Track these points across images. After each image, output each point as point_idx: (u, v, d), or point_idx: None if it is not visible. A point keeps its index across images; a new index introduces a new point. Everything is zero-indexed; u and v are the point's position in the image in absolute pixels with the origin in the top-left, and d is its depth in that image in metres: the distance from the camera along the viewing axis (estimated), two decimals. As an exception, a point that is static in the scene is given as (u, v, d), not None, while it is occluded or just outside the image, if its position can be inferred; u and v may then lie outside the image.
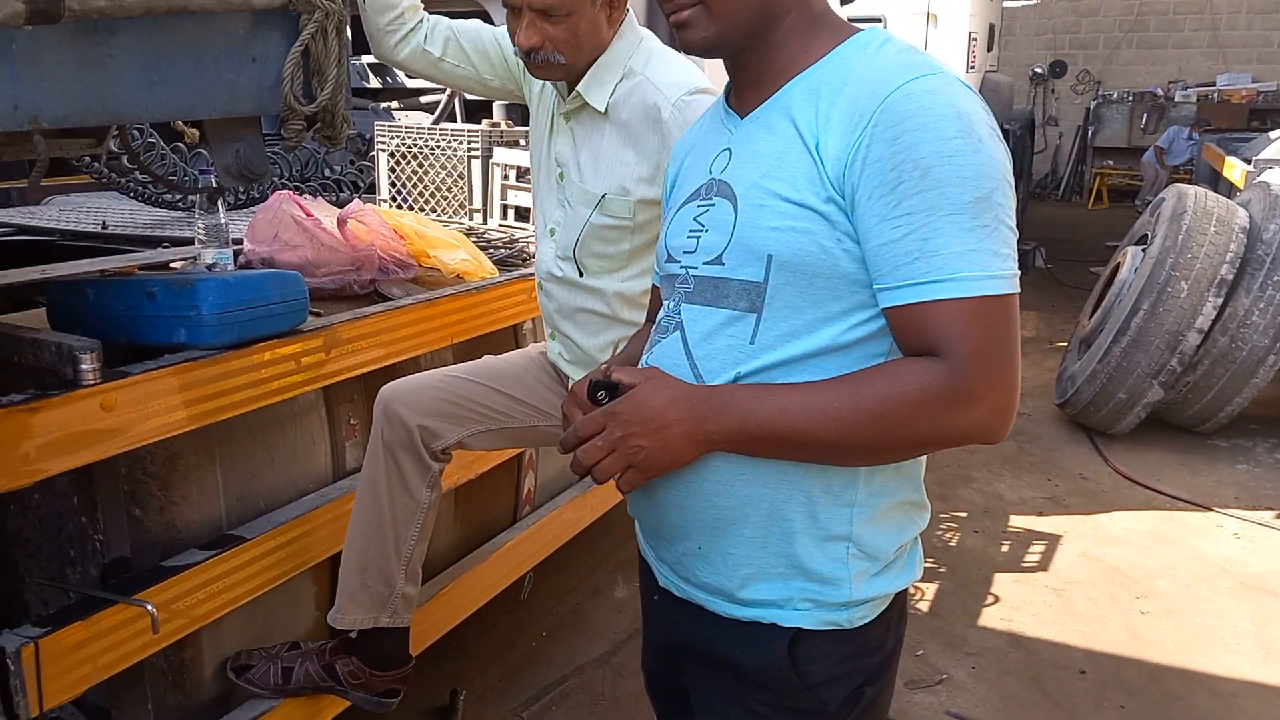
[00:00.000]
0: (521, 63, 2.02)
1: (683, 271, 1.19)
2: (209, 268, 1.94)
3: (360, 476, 1.93)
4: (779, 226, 1.09)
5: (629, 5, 1.88)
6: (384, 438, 1.88)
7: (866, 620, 1.15)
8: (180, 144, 3.20)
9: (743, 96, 1.21)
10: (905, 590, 1.21)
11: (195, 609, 1.71)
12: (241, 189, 3.40)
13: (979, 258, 1.02)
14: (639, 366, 1.24)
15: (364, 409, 2.15)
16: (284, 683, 1.92)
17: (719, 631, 1.18)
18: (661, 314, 1.23)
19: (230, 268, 2.18)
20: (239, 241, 2.36)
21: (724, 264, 1.13)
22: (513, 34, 1.79)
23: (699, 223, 1.18)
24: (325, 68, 1.78)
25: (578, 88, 1.84)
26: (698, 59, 1.83)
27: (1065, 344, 5.43)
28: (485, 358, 2.08)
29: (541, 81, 1.97)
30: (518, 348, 2.61)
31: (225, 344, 1.72)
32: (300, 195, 3.40)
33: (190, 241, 2.35)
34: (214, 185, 1.98)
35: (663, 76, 1.83)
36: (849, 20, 1.22)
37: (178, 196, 3.30)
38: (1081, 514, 3.98)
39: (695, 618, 1.20)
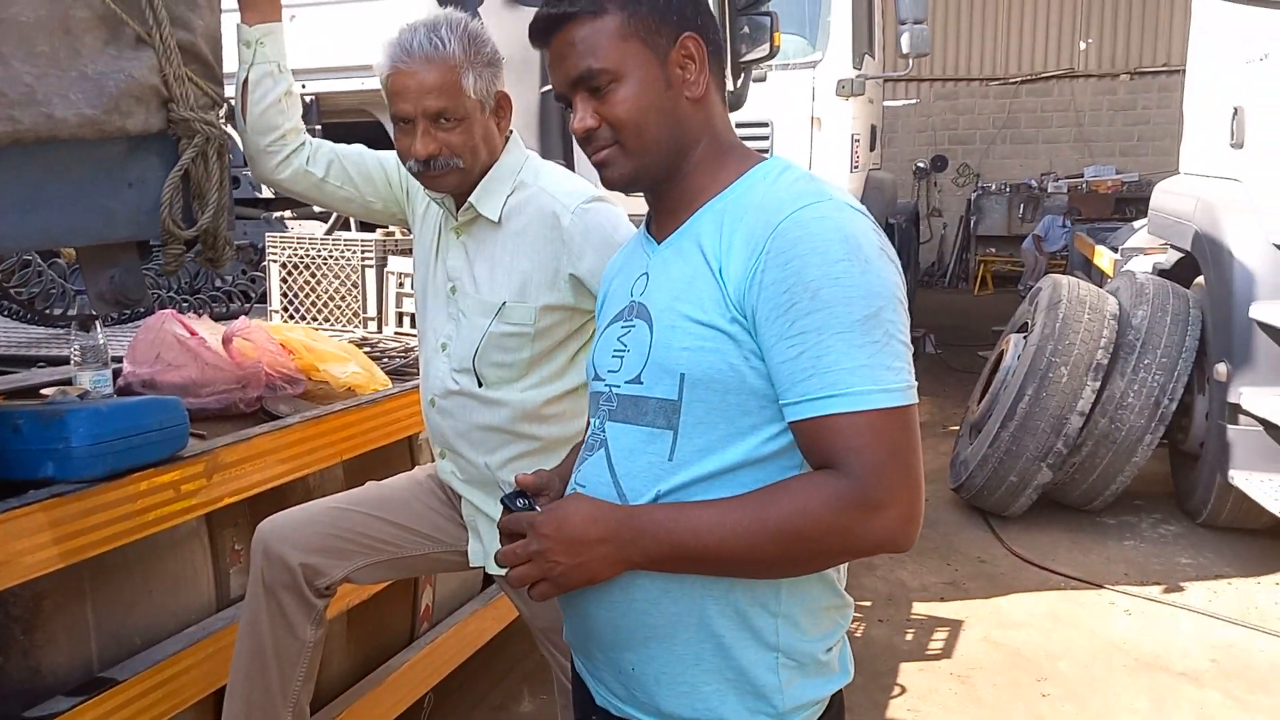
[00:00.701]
0: (406, 184, 2.04)
1: (607, 389, 1.25)
2: (83, 395, 1.87)
3: (240, 618, 1.85)
4: (690, 346, 1.15)
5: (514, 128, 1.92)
6: (264, 578, 1.82)
7: None
8: (58, 260, 3.11)
9: (660, 223, 1.29)
10: (840, 693, 1.24)
11: (61, 762, 1.60)
12: (117, 315, 3.30)
13: (871, 372, 1.07)
14: (568, 488, 1.28)
15: (249, 533, 2.07)
16: (162, 834, 1.80)
17: None
18: (589, 431, 1.28)
19: (108, 391, 2.11)
20: (120, 359, 2.29)
21: (642, 383, 1.19)
22: (406, 150, 1.80)
23: (622, 343, 1.24)
24: (206, 191, 1.76)
25: (470, 199, 1.86)
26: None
27: (957, 428, 5.59)
28: (369, 484, 2.04)
29: (426, 202, 1.99)
30: (413, 460, 2.58)
31: (97, 476, 1.66)
32: (190, 308, 3.34)
33: (67, 361, 2.27)
34: (86, 311, 1.93)
35: (558, 186, 1.88)
36: (738, 125, 1.30)
37: (56, 312, 3.20)
38: (981, 598, 4.05)
39: None
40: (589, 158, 1.25)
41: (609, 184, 1.25)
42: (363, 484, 2.08)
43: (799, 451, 1.13)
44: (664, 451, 1.16)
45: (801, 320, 1.08)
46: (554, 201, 1.84)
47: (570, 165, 3.33)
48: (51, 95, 1.47)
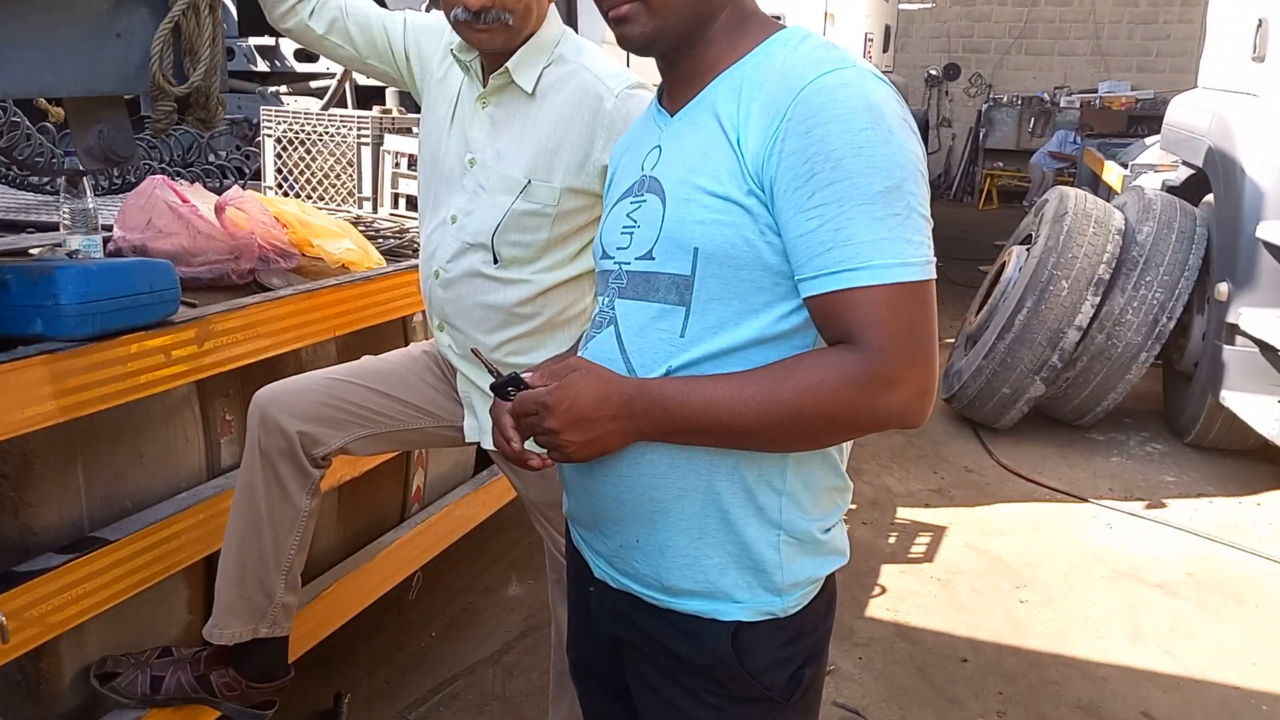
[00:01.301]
0: (415, 49, 1.97)
1: (616, 267, 1.22)
2: (71, 254, 1.83)
3: (236, 484, 1.85)
4: (704, 220, 1.11)
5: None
6: (261, 445, 1.80)
7: (800, 607, 1.20)
8: (47, 123, 3.03)
9: (673, 94, 1.24)
10: (833, 575, 1.26)
11: (51, 616, 1.61)
12: (106, 172, 3.23)
13: (891, 245, 1.04)
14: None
15: (240, 404, 2.06)
16: (153, 692, 1.83)
17: (660, 626, 1.21)
18: (596, 309, 1.26)
19: (97, 255, 2.07)
20: (109, 228, 2.24)
21: (654, 258, 1.16)
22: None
23: (632, 219, 1.21)
24: (198, 47, 1.70)
25: (507, 64, 1.78)
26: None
27: (953, 340, 5.58)
28: (365, 358, 2.01)
29: (445, 68, 1.92)
30: (406, 341, 2.56)
31: (86, 336, 1.63)
32: (179, 181, 3.27)
33: (57, 227, 2.23)
34: (76, 168, 1.88)
35: (603, 67, 1.81)
36: None
37: (44, 179, 3.13)
38: (966, 506, 4.10)
39: (635, 609, 1.23)
40: (606, 12, 1.19)
41: (626, 41, 1.19)
42: (361, 357, 2.06)
43: (813, 330, 1.11)
44: (675, 328, 1.14)
45: (822, 191, 1.05)
46: (598, 83, 1.77)
47: (573, 24, 3.21)
48: (34, -67, 1.40)
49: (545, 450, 1.16)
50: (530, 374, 1.19)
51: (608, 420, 1.12)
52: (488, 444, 1.95)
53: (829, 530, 1.22)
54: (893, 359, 1.05)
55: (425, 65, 1.97)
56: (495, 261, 1.83)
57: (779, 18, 1.30)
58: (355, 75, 3.55)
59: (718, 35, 1.19)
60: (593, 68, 1.79)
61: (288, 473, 1.85)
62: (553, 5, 1.84)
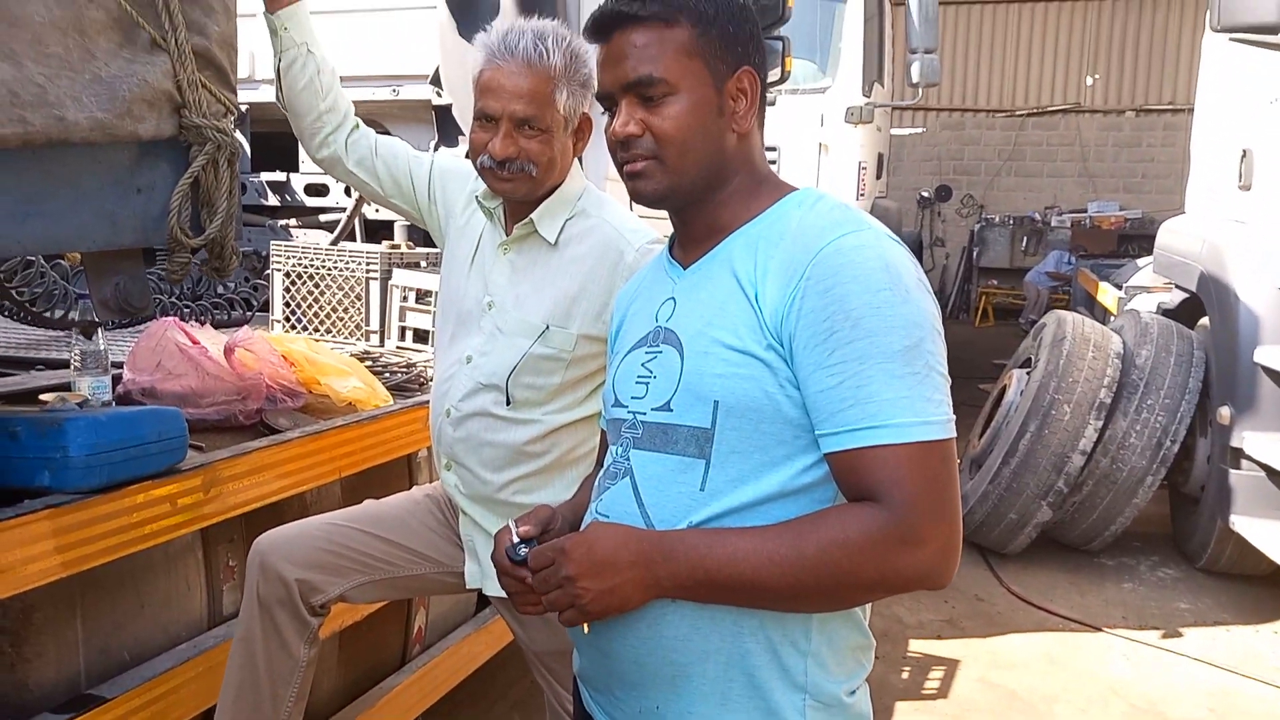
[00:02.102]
0: (440, 194, 2.02)
1: (630, 417, 1.22)
2: (81, 404, 1.83)
3: (234, 634, 1.81)
4: (723, 373, 1.13)
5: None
6: (259, 593, 1.78)
7: None
8: (61, 261, 3.08)
9: (685, 247, 1.27)
10: None
11: (43, 781, 1.56)
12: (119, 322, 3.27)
13: (912, 404, 1.06)
14: (587, 516, 1.25)
15: (244, 550, 2.03)
16: None
17: None
18: (609, 459, 1.25)
19: (107, 397, 2.07)
20: (120, 364, 2.25)
21: (672, 410, 1.16)
22: (482, 146, 1.78)
23: (647, 369, 1.21)
24: (215, 199, 1.74)
25: (531, 216, 1.84)
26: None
27: (958, 461, 5.56)
28: (367, 502, 2.01)
29: (469, 214, 1.96)
30: (411, 479, 2.55)
31: (94, 487, 1.62)
32: (192, 314, 3.30)
33: (67, 364, 2.24)
34: (90, 317, 1.89)
35: (624, 221, 1.86)
36: None
37: (57, 314, 3.16)
38: (978, 636, 4.01)
39: None
40: (620, 166, 1.22)
41: (639, 196, 1.23)
42: (360, 501, 2.05)
43: (834, 484, 1.11)
44: (696, 481, 1.14)
45: (842, 349, 1.06)
46: (620, 236, 1.82)
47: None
48: (64, 97, 1.44)
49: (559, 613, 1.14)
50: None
51: (627, 567, 1.10)
52: (490, 590, 1.92)
53: (854, 693, 1.19)
54: (917, 516, 1.05)
55: (449, 209, 2.02)
56: (508, 403, 1.84)
57: (774, 149, 1.35)
58: (365, 209, 3.63)
59: (731, 197, 1.23)
60: (614, 221, 1.84)
61: (286, 621, 1.82)
62: (577, 160, 1.89)
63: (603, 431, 1.41)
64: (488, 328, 1.87)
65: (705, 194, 1.22)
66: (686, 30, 1.17)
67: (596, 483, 1.28)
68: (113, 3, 1.52)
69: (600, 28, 1.21)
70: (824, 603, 1.12)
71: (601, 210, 1.87)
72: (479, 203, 1.92)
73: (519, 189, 1.80)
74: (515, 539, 1.21)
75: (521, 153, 1.75)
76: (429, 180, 2.03)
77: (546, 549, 1.14)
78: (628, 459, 1.20)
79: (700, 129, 1.18)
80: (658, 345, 1.22)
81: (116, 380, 2.17)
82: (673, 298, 1.24)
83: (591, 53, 1.72)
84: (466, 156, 1.97)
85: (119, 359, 2.27)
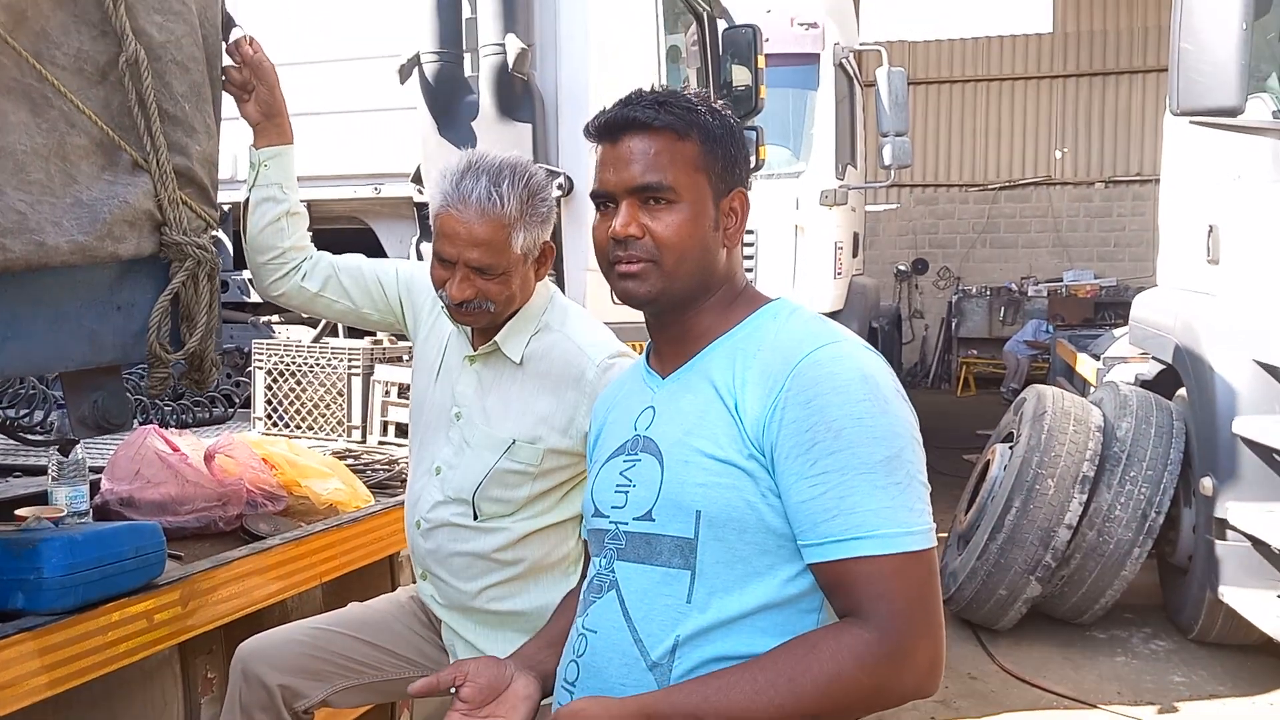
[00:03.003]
0: (407, 298, 2.04)
1: (612, 527, 1.22)
2: (58, 522, 1.81)
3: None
4: (704, 482, 1.14)
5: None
6: (241, 700, 1.76)
7: None
8: (41, 366, 3.07)
9: (663, 355, 1.29)
10: None
11: None
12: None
13: (895, 514, 1.08)
14: (572, 630, 1.23)
15: (223, 661, 2.01)
16: None
17: None
18: (593, 571, 1.24)
19: (85, 507, 2.06)
20: (99, 469, 2.24)
21: (654, 519, 1.17)
22: (440, 284, 1.79)
23: (626, 478, 1.22)
24: (195, 314, 1.76)
25: (495, 338, 1.84)
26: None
27: (945, 535, 5.54)
28: (351, 605, 2.00)
29: (434, 317, 1.98)
30: (394, 579, 2.52)
31: (69, 608, 1.60)
32: (172, 414, 3.29)
33: (44, 471, 2.22)
34: (67, 435, 1.89)
35: (584, 336, 1.86)
36: None
37: (36, 420, 3.14)
38: (973, 716, 3.96)
39: None
40: (611, 264, 1.24)
41: (628, 295, 1.25)
42: (342, 602, 2.05)
43: (819, 593, 1.12)
44: (681, 593, 1.14)
45: (825, 459, 1.08)
46: (580, 354, 1.83)
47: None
48: (44, 223, 1.46)
49: None
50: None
51: None
52: None
53: None
54: (905, 634, 1.06)
55: (417, 311, 2.04)
56: (475, 517, 1.84)
57: (751, 232, 1.39)
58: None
59: (712, 307, 1.26)
60: (576, 338, 1.85)
61: None
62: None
63: (585, 543, 1.42)
64: (456, 439, 1.87)
65: (690, 302, 1.25)
66: (695, 145, 1.22)
67: (581, 595, 1.27)
68: (95, 127, 1.56)
69: (611, 128, 1.23)
70: None
71: (564, 324, 1.88)
72: (443, 311, 1.93)
73: (480, 321, 1.83)
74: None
75: (479, 293, 1.76)
76: (395, 284, 2.04)
77: None
78: (612, 571, 1.20)
79: (698, 239, 1.22)
80: (636, 454, 1.23)
81: (95, 487, 2.16)
82: (652, 406, 1.25)
83: (551, 185, 1.75)
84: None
85: (98, 463, 2.26)
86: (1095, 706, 4.05)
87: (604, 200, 1.25)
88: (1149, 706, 4.05)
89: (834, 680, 1.05)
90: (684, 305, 1.25)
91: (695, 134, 1.22)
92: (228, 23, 1.87)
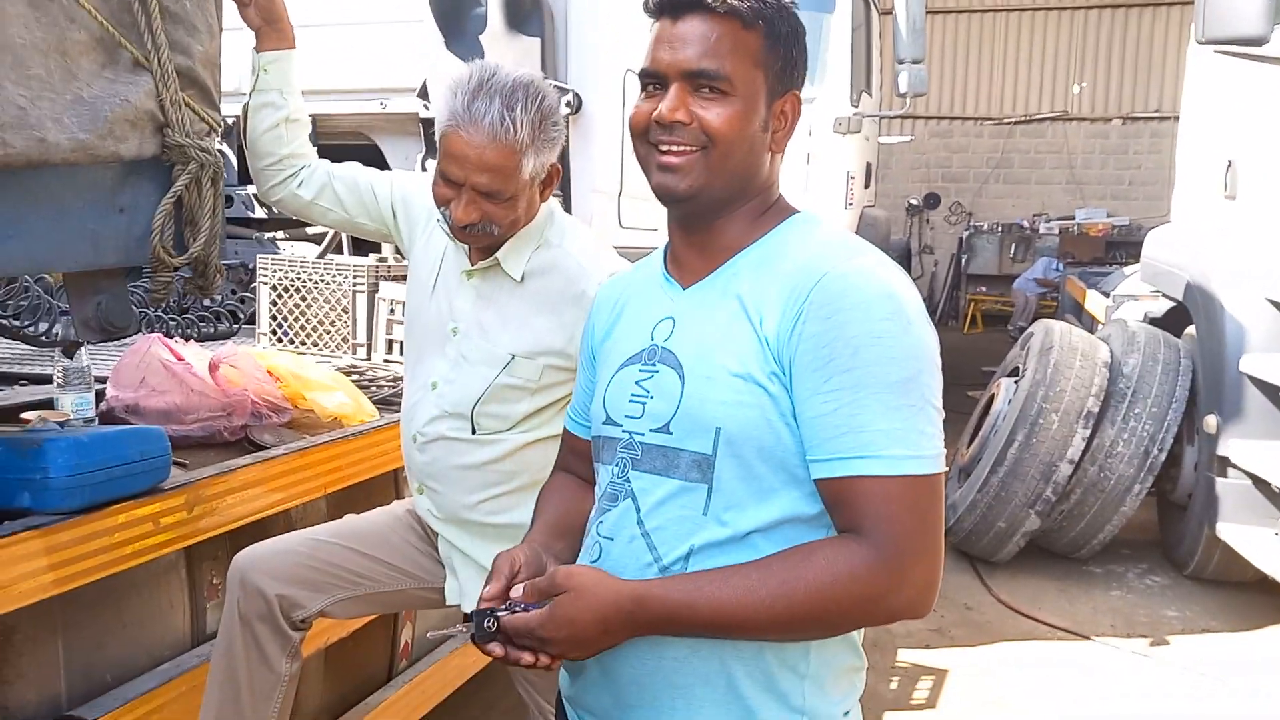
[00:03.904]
0: (402, 210, 2.01)
1: (626, 436, 1.20)
2: (63, 423, 1.82)
3: (214, 649, 1.80)
4: (727, 400, 1.11)
5: None
6: (240, 608, 1.78)
7: None
8: (44, 276, 3.06)
9: (684, 263, 1.24)
10: None
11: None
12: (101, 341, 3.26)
13: (905, 436, 1.06)
14: (587, 538, 1.23)
15: (228, 567, 2.03)
16: None
17: None
18: (606, 479, 1.22)
19: (90, 414, 2.07)
20: (104, 379, 2.25)
21: (671, 433, 1.15)
22: (444, 202, 1.75)
23: (643, 388, 1.19)
24: (199, 218, 1.73)
25: (496, 254, 1.82)
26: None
27: (946, 469, 5.57)
28: (348, 517, 2.01)
29: (430, 232, 1.95)
30: (398, 493, 2.54)
31: (75, 508, 1.61)
32: (177, 328, 3.29)
33: (51, 380, 2.23)
34: (72, 338, 1.89)
35: (585, 253, 1.83)
36: None
37: (41, 328, 3.14)
38: (967, 645, 4.01)
39: None
40: (654, 152, 1.17)
41: (666, 190, 1.18)
42: (344, 516, 2.05)
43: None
44: (698, 505, 1.13)
45: (839, 376, 1.06)
46: (581, 272, 1.80)
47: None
48: (44, 119, 1.43)
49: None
50: (513, 593, 1.13)
51: (609, 636, 1.10)
52: (469, 608, 1.92)
53: (848, 714, 1.20)
54: (903, 555, 1.06)
55: (412, 225, 2.01)
56: (473, 432, 1.84)
57: None
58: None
59: (744, 214, 1.21)
60: (577, 255, 1.83)
61: (267, 636, 1.81)
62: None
63: (567, 434, 1.40)
64: (452, 354, 1.86)
65: (726, 204, 1.19)
66: (759, 39, 1.15)
67: (597, 503, 1.25)
68: (95, 24, 1.52)
69: (673, 6, 1.16)
70: (810, 636, 1.13)
71: (565, 241, 1.85)
72: (440, 225, 1.89)
73: (481, 242, 1.80)
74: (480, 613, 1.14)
75: (484, 217, 1.72)
76: (390, 196, 2.01)
77: (520, 629, 1.10)
78: (627, 481, 1.19)
79: (747, 138, 1.16)
80: (654, 364, 1.20)
81: (100, 396, 2.16)
82: (671, 317, 1.21)
83: (562, 106, 1.69)
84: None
85: (103, 374, 2.27)
86: (1088, 638, 4.11)
87: (653, 81, 1.18)
88: (1142, 639, 4.11)
89: (826, 587, 1.05)
90: (719, 208, 1.19)
91: (761, 26, 1.15)
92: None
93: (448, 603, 1.95)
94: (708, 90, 1.15)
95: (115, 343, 3.18)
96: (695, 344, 1.17)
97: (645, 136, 1.18)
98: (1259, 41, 3.72)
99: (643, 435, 1.18)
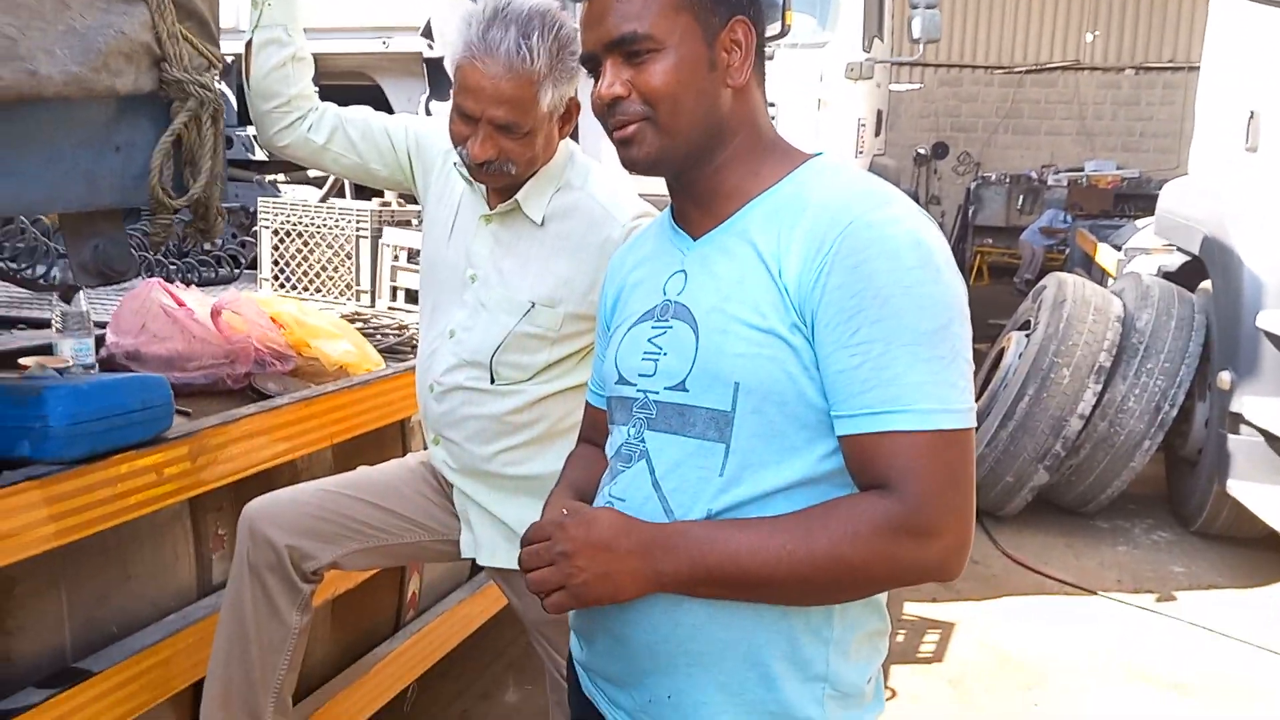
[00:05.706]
0: (416, 153, 1.94)
1: (641, 395, 1.15)
2: (62, 370, 1.76)
3: (223, 600, 1.77)
4: (744, 353, 1.06)
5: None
6: (249, 559, 1.74)
7: None
8: (41, 217, 2.99)
9: (689, 217, 1.19)
10: None
11: (28, 758, 1.52)
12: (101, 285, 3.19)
13: (935, 389, 1.00)
14: (598, 499, 1.20)
15: (233, 518, 1.98)
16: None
17: None
18: (620, 440, 1.18)
19: (90, 360, 2.01)
20: (104, 324, 2.19)
21: (687, 390, 1.10)
22: (460, 140, 1.69)
23: (656, 345, 1.14)
24: (198, 158, 1.67)
25: (516, 196, 1.75)
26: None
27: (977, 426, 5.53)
28: (360, 469, 1.96)
29: (447, 176, 1.89)
30: (405, 444, 2.50)
31: (75, 458, 1.56)
32: (177, 272, 3.23)
33: (49, 324, 2.17)
34: (70, 281, 1.83)
35: (608, 196, 1.77)
36: None
37: (39, 271, 3.08)
38: (974, 599, 4.01)
39: None
40: (609, 132, 1.14)
41: (631, 163, 1.15)
42: (352, 467, 2.01)
43: None
44: (715, 465, 1.08)
45: (867, 328, 1.01)
46: (605, 215, 1.74)
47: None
48: (35, 50, 1.37)
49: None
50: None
51: (625, 555, 1.05)
52: (484, 560, 1.90)
53: (869, 680, 1.16)
54: (933, 510, 1.00)
55: (427, 169, 1.94)
56: (491, 381, 1.78)
57: (771, 104, 1.27)
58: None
59: (733, 160, 1.15)
60: (600, 197, 1.76)
61: (277, 587, 1.78)
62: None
63: (590, 407, 1.36)
64: (470, 301, 1.80)
65: (703, 157, 1.14)
66: None
67: (610, 464, 1.21)
68: (87, -51, 1.44)
69: None
70: (831, 597, 1.08)
71: (587, 183, 1.79)
72: (457, 168, 1.83)
73: (499, 182, 1.74)
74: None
75: (502, 153, 1.67)
76: (405, 139, 1.94)
77: (545, 523, 1.09)
78: (642, 440, 1.14)
79: (692, 86, 1.10)
80: (667, 320, 1.15)
81: (100, 342, 2.11)
82: (683, 270, 1.16)
83: (578, 35, 1.62)
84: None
85: (103, 319, 2.21)
86: (1095, 593, 4.10)
87: (590, 64, 1.15)
88: (1148, 594, 4.10)
89: (848, 538, 1.00)
90: (697, 162, 1.14)
91: None
92: None
93: (463, 556, 1.91)
94: (637, 54, 1.10)
95: (114, 287, 3.12)
96: (709, 296, 1.12)
97: (602, 119, 1.15)
98: (1290, -13, 3.60)
99: (657, 394, 1.13)
